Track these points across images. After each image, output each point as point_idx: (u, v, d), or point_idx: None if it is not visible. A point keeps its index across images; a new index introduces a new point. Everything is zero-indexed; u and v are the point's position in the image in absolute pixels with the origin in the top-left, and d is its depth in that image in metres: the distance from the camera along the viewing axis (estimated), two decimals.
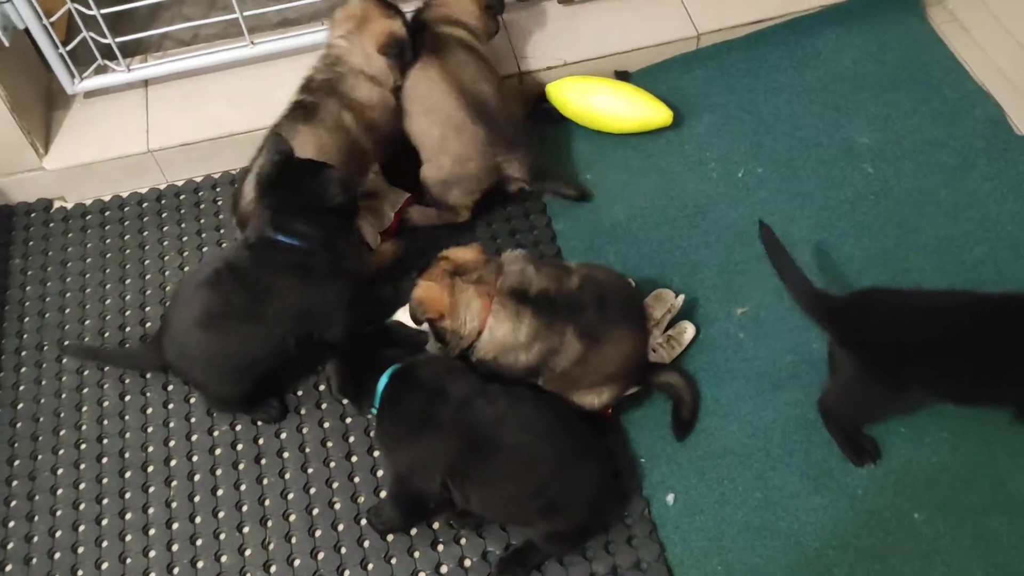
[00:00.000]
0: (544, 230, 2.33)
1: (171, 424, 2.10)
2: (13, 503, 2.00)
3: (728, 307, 2.16)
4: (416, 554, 1.88)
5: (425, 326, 1.87)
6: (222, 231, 2.42)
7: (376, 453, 2.02)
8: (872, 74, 2.54)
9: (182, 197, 2.50)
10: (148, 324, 2.26)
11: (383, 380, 1.79)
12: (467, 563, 1.86)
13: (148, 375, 2.16)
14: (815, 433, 1.94)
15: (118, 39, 2.40)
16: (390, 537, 1.90)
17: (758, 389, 2.02)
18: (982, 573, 1.75)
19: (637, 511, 1.89)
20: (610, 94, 2.44)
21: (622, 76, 2.54)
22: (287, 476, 2.00)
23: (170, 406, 2.12)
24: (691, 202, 2.33)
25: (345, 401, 1.99)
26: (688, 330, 2.12)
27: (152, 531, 1.95)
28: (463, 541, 1.88)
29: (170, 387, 2.15)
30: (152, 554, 1.92)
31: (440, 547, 1.88)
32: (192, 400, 2.13)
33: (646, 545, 1.85)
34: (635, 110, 2.43)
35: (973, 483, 1.85)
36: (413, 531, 1.90)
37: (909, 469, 1.89)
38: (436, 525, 1.90)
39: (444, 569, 1.86)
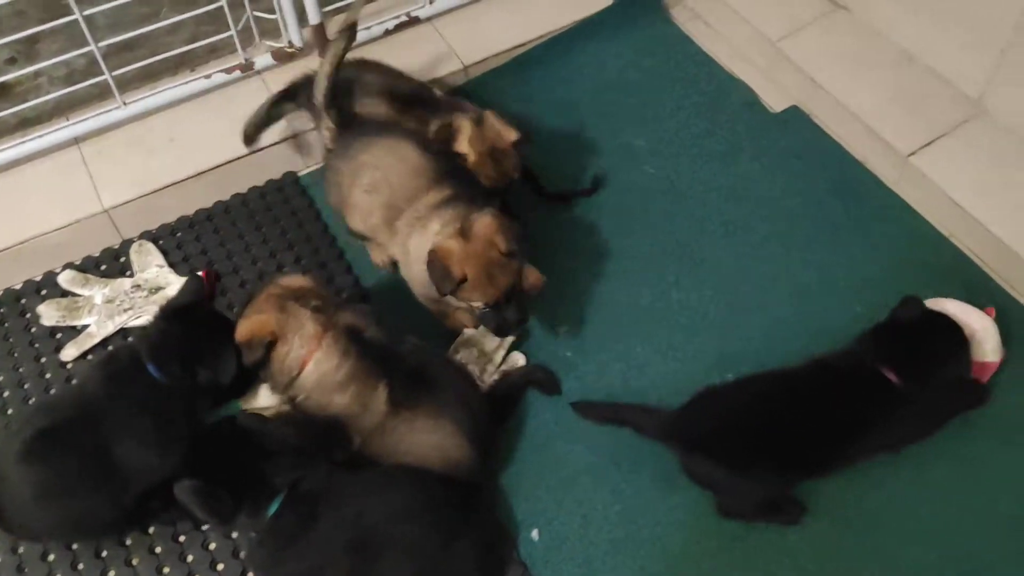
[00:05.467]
0: (352, 290, 2.26)
1: None
2: None
3: (552, 328, 2.17)
4: None
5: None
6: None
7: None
8: (635, 80, 2.66)
9: None
10: None
11: (273, 506, 1.62)
12: None
13: None
14: None
15: None
16: None
17: None
18: (834, 533, 1.83)
19: (507, 555, 1.84)
20: None
21: None
22: None
23: None
24: None
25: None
26: (519, 360, 2.11)
27: None
28: None
29: None
30: None
31: None
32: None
33: None
34: None
35: None
36: None
37: None
38: None
39: None
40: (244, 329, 1.79)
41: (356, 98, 2.20)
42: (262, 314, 1.78)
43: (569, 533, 1.87)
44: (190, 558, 1.88)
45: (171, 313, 1.85)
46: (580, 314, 2.19)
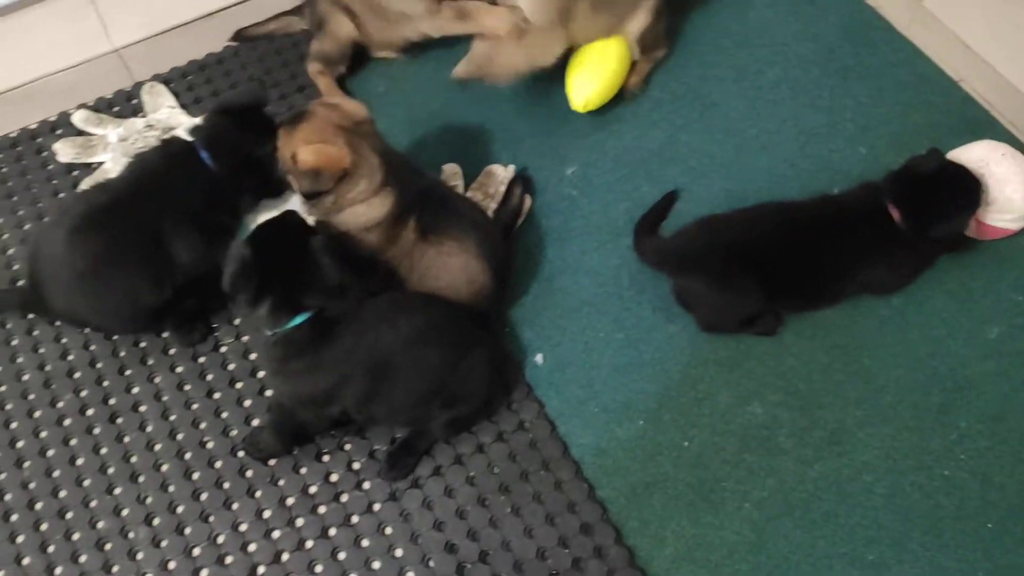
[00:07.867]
0: None
1: (7, 406, 1.95)
2: None
3: (558, 170, 2.20)
4: (303, 470, 1.84)
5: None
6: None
7: (240, 385, 1.96)
8: None
9: None
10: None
11: (296, 320, 1.63)
12: (355, 466, 1.85)
13: None
14: None
15: None
16: (272, 461, 1.86)
17: (600, 240, 2.09)
18: (826, 357, 1.90)
19: (512, 378, 1.93)
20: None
21: None
22: (149, 428, 1.91)
23: (2, 388, 1.97)
24: None
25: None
26: (527, 201, 2.14)
27: (14, 517, 1.82)
28: (347, 446, 1.87)
29: None
30: (20, 539, 1.80)
31: (326, 457, 1.86)
32: (26, 377, 1.98)
33: (526, 406, 1.89)
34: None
35: None
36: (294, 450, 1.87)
37: None
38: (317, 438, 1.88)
39: (334, 477, 1.84)
40: (314, 159, 1.70)
41: None
42: (334, 147, 1.72)
43: (573, 358, 1.95)
44: (210, 376, 1.98)
45: (227, 108, 1.94)
46: (586, 157, 2.21)
